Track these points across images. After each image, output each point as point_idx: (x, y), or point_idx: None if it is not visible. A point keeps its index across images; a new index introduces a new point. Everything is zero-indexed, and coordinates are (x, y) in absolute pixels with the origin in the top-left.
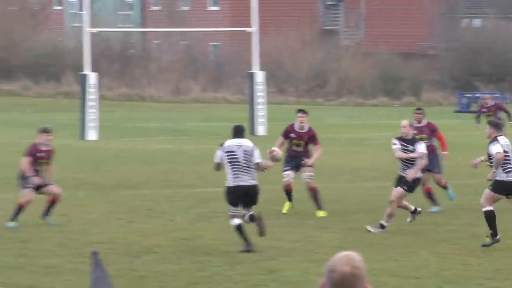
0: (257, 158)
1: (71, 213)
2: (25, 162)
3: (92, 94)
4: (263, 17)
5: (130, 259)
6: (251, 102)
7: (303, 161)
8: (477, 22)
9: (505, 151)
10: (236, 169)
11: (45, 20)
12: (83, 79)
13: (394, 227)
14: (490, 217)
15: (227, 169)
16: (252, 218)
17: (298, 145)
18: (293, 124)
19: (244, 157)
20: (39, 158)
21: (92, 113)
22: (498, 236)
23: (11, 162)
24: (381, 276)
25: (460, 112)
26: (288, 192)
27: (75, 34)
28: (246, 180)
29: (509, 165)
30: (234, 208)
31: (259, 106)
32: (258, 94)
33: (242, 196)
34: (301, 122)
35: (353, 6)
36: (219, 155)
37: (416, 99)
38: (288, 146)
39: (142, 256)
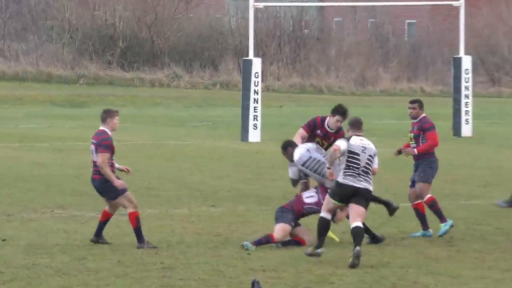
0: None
1: (229, 232)
2: None
3: (257, 84)
4: None
5: None
6: (456, 94)
7: None
8: None
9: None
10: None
11: None
12: (246, 66)
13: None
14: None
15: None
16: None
17: None
18: None
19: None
20: None
21: (256, 109)
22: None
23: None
24: None
25: None
26: None
27: (238, 10)
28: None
29: (351, 170)
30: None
31: (465, 100)
32: (464, 84)
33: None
34: None
35: None
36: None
37: None
38: None
39: None
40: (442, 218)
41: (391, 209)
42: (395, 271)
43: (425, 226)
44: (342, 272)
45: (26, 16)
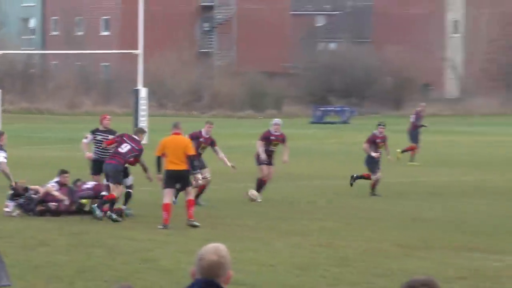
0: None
1: None
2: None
3: None
4: (148, 41)
5: (26, 251)
6: (135, 114)
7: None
8: (332, 46)
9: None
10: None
11: None
12: None
13: (253, 222)
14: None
15: None
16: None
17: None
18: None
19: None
20: None
21: None
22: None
23: None
24: (241, 264)
25: (315, 123)
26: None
27: None
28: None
29: None
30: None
31: (142, 118)
32: (141, 107)
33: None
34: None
35: (226, 31)
36: None
37: (278, 112)
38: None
39: (36, 249)
40: None
41: None
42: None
43: None
44: None
45: None
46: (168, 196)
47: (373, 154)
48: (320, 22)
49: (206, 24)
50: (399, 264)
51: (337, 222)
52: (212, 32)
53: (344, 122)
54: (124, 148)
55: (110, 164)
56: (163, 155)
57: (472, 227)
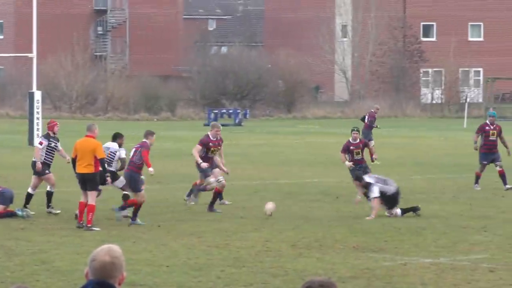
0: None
1: None
2: None
3: None
4: (42, 44)
5: None
6: (30, 117)
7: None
8: (224, 49)
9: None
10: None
11: None
12: None
13: (149, 223)
14: None
15: None
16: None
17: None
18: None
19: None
20: None
21: None
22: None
23: None
24: (137, 265)
25: (209, 125)
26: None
27: None
28: None
29: None
30: None
31: (37, 121)
32: (36, 110)
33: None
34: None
35: (119, 35)
36: None
37: (172, 115)
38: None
39: None
40: None
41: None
42: None
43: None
44: None
45: None
46: (83, 195)
47: (347, 164)
48: (212, 26)
49: (99, 28)
50: (293, 264)
51: (232, 223)
52: (105, 35)
53: (237, 124)
54: (132, 154)
55: (126, 173)
56: (76, 157)
57: (364, 227)
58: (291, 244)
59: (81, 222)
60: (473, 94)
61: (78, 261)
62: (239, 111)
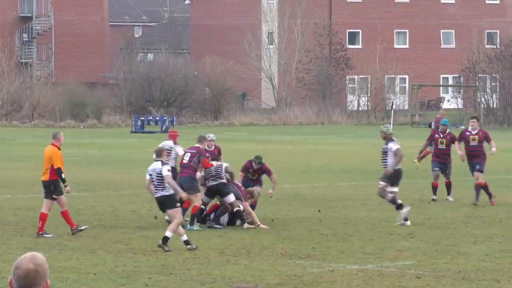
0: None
1: None
2: None
3: None
4: None
5: None
6: None
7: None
8: (150, 56)
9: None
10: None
11: None
12: None
13: (69, 230)
14: None
15: None
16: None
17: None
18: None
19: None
20: None
21: None
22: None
23: None
24: (64, 273)
25: (135, 132)
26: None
27: None
28: None
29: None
30: None
31: None
32: None
33: None
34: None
35: (44, 42)
36: None
37: (98, 122)
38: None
39: None
40: None
41: None
42: None
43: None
44: None
45: None
46: (44, 205)
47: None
48: (138, 33)
49: (25, 35)
50: (221, 271)
51: (159, 231)
52: (31, 42)
53: (164, 132)
54: (186, 157)
55: (182, 177)
56: None
57: (291, 234)
58: (219, 251)
59: (40, 232)
60: (399, 101)
61: (4, 269)
62: (165, 118)
